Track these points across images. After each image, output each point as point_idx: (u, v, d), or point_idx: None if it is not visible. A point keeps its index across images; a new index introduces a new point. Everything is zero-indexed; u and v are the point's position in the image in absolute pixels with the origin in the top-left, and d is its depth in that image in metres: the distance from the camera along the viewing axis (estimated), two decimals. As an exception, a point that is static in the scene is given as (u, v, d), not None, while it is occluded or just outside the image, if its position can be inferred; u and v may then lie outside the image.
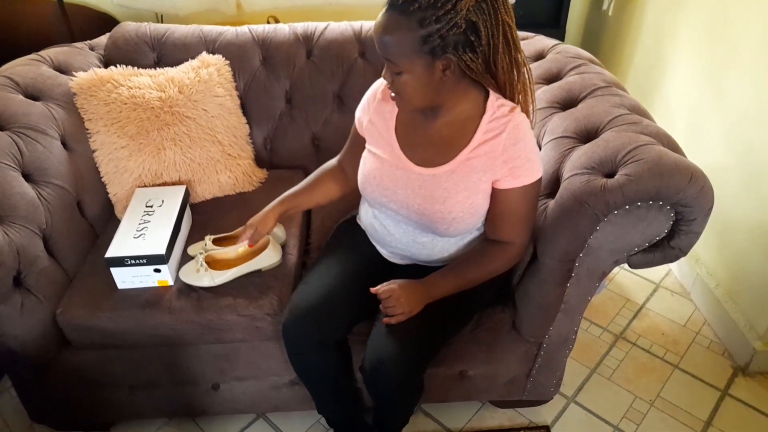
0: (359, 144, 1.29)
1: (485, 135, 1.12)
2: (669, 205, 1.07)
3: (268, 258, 1.38)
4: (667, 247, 1.14)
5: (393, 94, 1.10)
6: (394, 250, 1.28)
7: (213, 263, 1.36)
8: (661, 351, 1.76)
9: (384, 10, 1.00)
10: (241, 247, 1.38)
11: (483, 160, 1.12)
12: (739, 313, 1.72)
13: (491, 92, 1.14)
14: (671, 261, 1.16)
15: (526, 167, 1.11)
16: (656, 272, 2.04)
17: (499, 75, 1.07)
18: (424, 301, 1.18)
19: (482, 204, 1.16)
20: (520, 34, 1.73)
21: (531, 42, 1.67)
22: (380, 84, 1.26)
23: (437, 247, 1.23)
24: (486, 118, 1.12)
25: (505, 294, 1.36)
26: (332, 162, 1.40)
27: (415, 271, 1.28)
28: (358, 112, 1.29)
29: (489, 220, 1.19)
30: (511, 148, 1.10)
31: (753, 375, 1.67)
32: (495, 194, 1.15)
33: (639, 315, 1.88)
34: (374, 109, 1.24)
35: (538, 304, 1.27)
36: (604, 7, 2.47)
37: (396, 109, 1.22)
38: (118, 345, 1.36)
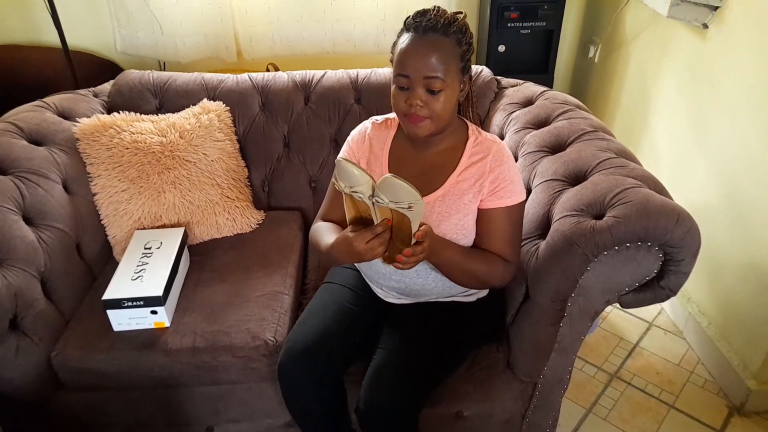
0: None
1: (471, 159, 1.21)
2: (657, 246, 1.10)
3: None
4: (657, 287, 1.16)
5: (418, 118, 1.12)
6: (388, 283, 1.30)
7: None
8: (656, 390, 1.76)
9: (418, 34, 1.10)
10: None
11: (471, 182, 1.20)
12: (732, 352, 1.73)
13: (469, 123, 1.25)
14: (662, 300, 1.18)
15: (509, 188, 1.18)
16: (649, 311, 2.06)
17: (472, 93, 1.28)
18: (435, 251, 1.12)
19: (472, 226, 1.21)
20: (511, 80, 1.81)
21: (520, 89, 1.73)
22: (365, 126, 1.33)
23: (430, 277, 1.25)
24: (470, 144, 1.23)
25: (499, 333, 1.38)
26: (321, 222, 1.34)
27: (411, 310, 1.30)
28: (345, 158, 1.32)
29: (477, 240, 1.23)
30: (496, 168, 1.19)
31: (749, 414, 1.67)
32: (480, 214, 1.21)
33: (633, 354, 1.88)
34: (368, 149, 1.30)
35: (531, 343, 1.28)
36: (591, 54, 2.58)
37: (387, 146, 1.28)
38: (112, 387, 1.36)
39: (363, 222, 1.11)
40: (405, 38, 1.12)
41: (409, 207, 1.01)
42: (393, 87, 1.15)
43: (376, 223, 1.07)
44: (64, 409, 1.37)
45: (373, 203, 1.04)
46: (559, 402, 1.43)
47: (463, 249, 1.20)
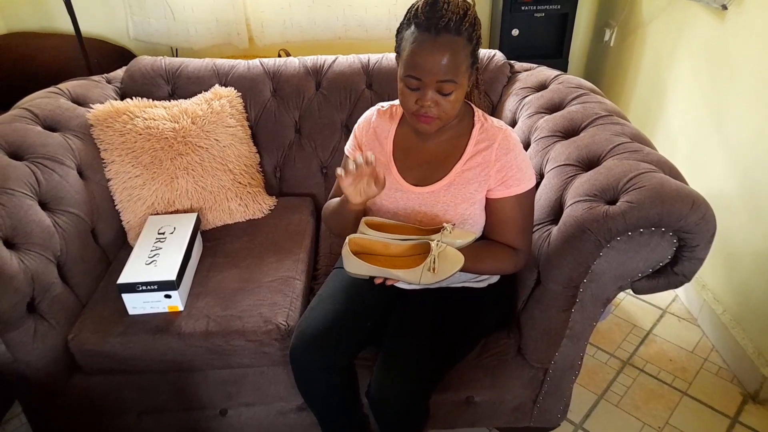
0: None
1: (476, 147, 1.19)
2: (671, 232, 1.09)
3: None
4: (671, 273, 1.15)
5: (428, 117, 1.11)
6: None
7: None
8: (669, 377, 1.74)
9: (430, 34, 1.04)
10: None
11: (477, 171, 1.18)
12: (747, 339, 1.71)
13: (475, 109, 1.23)
14: (675, 287, 1.17)
15: (518, 177, 1.16)
16: (663, 298, 2.04)
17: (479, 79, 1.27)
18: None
19: (480, 214, 1.21)
20: (524, 64, 1.79)
21: (533, 73, 1.71)
22: (371, 114, 1.32)
23: None
24: (475, 131, 1.20)
25: (510, 319, 1.37)
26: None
27: (422, 295, 1.30)
28: (351, 149, 1.33)
29: (487, 230, 1.23)
30: (503, 157, 1.17)
31: (763, 402, 1.65)
32: (489, 204, 1.20)
33: (646, 341, 1.87)
34: (372, 137, 1.29)
35: (543, 329, 1.28)
36: (606, 38, 2.53)
37: (392, 135, 1.27)
38: (127, 370, 1.38)
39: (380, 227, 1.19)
40: (416, 36, 1.06)
41: (429, 269, 1.09)
42: (401, 84, 1.12)
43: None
44: (81, 392, 1.39)
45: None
46: (571, 388, 1.43)
47: (471, 256, 1.15)
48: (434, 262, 1.08)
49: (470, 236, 1.15)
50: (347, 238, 1.13)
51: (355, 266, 1.12)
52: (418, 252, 1.15)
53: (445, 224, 1.14)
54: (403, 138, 1.27)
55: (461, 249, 1.13)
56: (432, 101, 1.09)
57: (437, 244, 1.09)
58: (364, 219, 1.18)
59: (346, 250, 1.12)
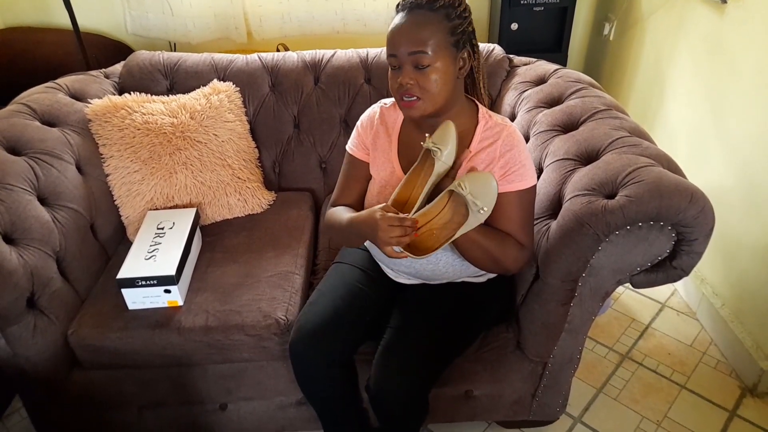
0: (359, 176, 1.32)
1: (481, 144, 1.19)
2: (670, 226, 1.09)
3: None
4: (669, 267, 1.15)
5: (411, 98, 1.11)
6: (398, 268, 1.30)
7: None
8: (668, 371, 1.75)
9: (404, 13, 1.10)
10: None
11: (481, 168, 1.18)
12: (745, 333, 1.72)
13: (479, 106, 1.23)
14: (674, 281, 1.17)
15: (520, 172, 1.16)
16: (662, 292, 2.04)
17: (480, 72, 1.24)
18: None
19: None
20: (523, 59, 1.79)
21: (532, 67, 1.71)
22: (374, 110, 1.31)
23: (441, 262, 1.24)
24: (479, 129, 1.20)
25: (509, 314, 1.38)
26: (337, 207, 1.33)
27: (422, 290, 1.31)
28: (354, 147, 1.32)
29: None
30: (506, 153, 1.16)
31: (762, 395, 1.66)
32: None
33: (645, 335, 1.88)
34: (376, 134, 1.29)
35: (541, 323, 1.28)
36: (605, 32, 2.53)
37: (396, 130, 1.27)
38: (127, 365, 1.38)
39: (402, 208, 1.14)
40: (392, 19, 1.12)
41: (480, 210, 1.07)
42: (389, 71, 1.15)
43: (416, 211, 1.12)
44: (81, 387, 1.39)
45: (451, 189, 1.10)
46: (569, 382, 1.43)
47: (479, 228, 1.14)
48: (475, 205, 1.07)
49: (449, 125, 1.13)
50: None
51: (427, 257, 1.11)
52: (449, 195, 1.14)
53: (427, 145, 1.12)
54: (407, 134, 1.26)
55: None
56: (410, 77, 1.09)
57: (458, 186, 1.07)
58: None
59: (411, 257, 1.10)
